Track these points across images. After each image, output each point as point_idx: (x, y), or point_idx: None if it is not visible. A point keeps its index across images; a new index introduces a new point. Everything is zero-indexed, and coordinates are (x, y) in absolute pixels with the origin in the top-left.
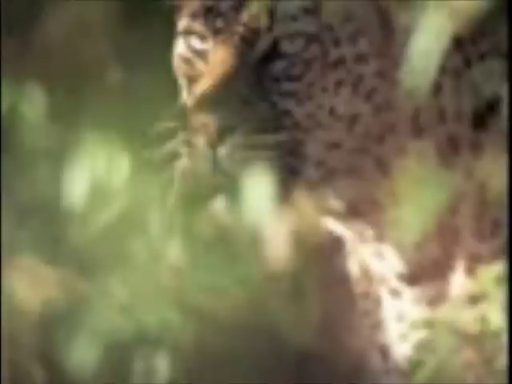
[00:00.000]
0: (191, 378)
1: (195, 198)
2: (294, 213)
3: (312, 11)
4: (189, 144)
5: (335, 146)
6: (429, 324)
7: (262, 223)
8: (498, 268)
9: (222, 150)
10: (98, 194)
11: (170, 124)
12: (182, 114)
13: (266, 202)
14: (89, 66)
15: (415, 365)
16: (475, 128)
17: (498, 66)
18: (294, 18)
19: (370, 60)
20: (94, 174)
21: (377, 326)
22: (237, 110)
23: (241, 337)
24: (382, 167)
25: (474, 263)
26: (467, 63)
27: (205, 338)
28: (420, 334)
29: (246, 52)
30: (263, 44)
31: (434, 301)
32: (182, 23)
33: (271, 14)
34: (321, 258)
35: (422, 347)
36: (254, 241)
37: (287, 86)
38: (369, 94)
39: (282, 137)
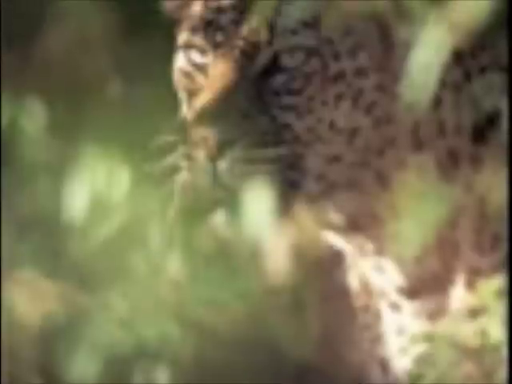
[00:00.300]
0: None
1: (195, 211)
2: (294, 226)
3: (312, 25)
4: (189, 158)
5: (335, 159)
6: (429, 338)
7: (262, 237)
8: (497, 282)
9: (222, 164)
10: (98, 207)
11: (170, 138)
12: (182, 128)
13: (266, 215)
14: (89, 80)
15: (415, 378)
16: (475, 142)
17: (497, 79)
18: (294, 32)
19: (369, 74)
20: (94, 187)
21: (377, 339)
22: (237, 124)
23: (241, 351)
24: (382, 181)
25: (473, 277)
26: (467, 77)
27: (204, 351)
28: (420, 348)
29: (246, 66)
30: (263, 58)
31: (434, 314)
32: (182, 37)
33: (271, 27)
34: (321, 272)
35: (422, 361)
36: (254, 255)
37: (287, 100)
38: (369, 108)
39: (282, 150)
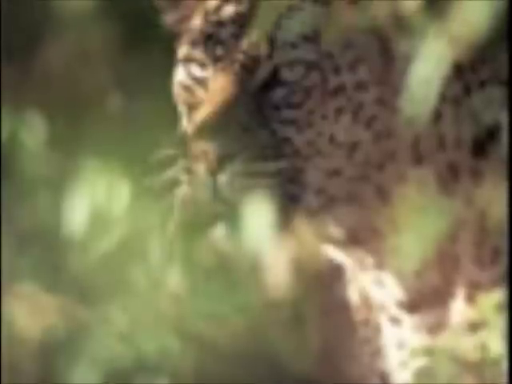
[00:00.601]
0: None
1: (195, 225)
2: (294, 240)
3: (312, 39)
4: (189, 171)
5: (335, 173)
6: (429, 351)
7: (261, 251)
8: (498, 295)
9: (222, 178)
10: (98, 221)
11: (170, 151)
12: (182, 142)
13: (266, 229)
14: (89, 94)
15: None
16: (475, 155)
17: (497, 93)
18: (294, 46)
19: (369, 87)
20: (94, 201)
21: (377, 353)
22: (237, 138)
23: (241, 364)
24: (382, 195)
25: (474, 291)
26: (467, 91)
27: (205, 365)
28: (420, 362)
29: (246, 80)
30: (263, 72)
31: (434, 328)
32: (182, 51)
33: (271, 41)
34: (321, 286)
35: (422, 375)
36: (254, 268)
37: (287, 114)
38: (369, 122)
39: (282, 164)
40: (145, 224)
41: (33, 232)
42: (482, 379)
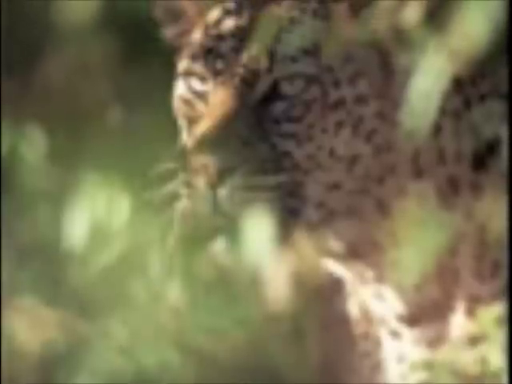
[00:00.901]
0: None
1: (195, 239)
2: (294, 254)
3: (312, 53)
4: (189, 185)
5: (335, 187)
6: (429, 365)
7: (261, 264)
8: (498, 309)
9: (222, 191)
10: (98, 235)
11: (170, 165)
12: (182, 155)
13: (265, 243)
14: (89, 108)
15: None
16: (475, 169)
17: (497, 107)
18: (294, 60)
19: (369, 101)
20: (94, 215)
21: (377, 366)
22: (237, 152)
23: (241, 378)
24: (382, 208)
25: (474, 304)
26: (467, 104)
27: (205, 379)
28: (420, 376)
29: (246, 93)
30: (263, 85)
31: (434, 342)
32: (182, 64)
33: (271, 55)
34: (321, 299)
35: None
36: (254, 282)
37: (287, 128)
38: (369, 135)
39: (281, 178)
40: (145, 238)
41: (33, 246)
42: None
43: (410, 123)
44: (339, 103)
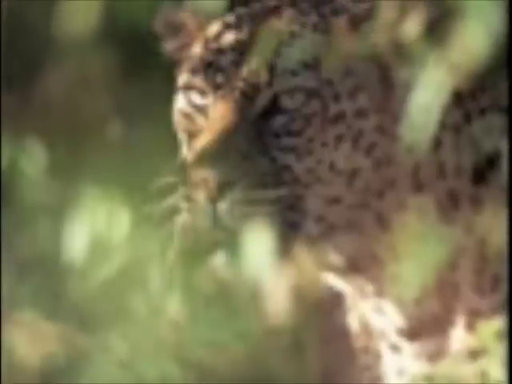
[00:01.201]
0: None
1: (195, 253)
2: (294, 268)
3: (312, 66)
4: (189, 199)
5: (335, 201)
6: (429, 379)
7: (261, 278)
8: (498, 323)
9: (222, 205)
10: (98, 249)
11: (170, 179)
12: (182, 169)
13: (265, 257)
14: (89, 122)
15: None
16: (475, 183)
17: (497, 121)
18: (294, 73)
19: (369, 115)
20: (94, 229)
21: (377, 380)
22: (237, 165)
23: None
24: (382, 222)
25: (474, 318)
26: (467, 118)
27: None
28: None
29: (246, 107)
30: (263, 99)
31: (434, 356)
32: (182, 78)
33: (271, 69)
34: (321, 313)
35: None
36: (254, 296)
37: (287, 141)
38: (369, 149)
39: (281, 192)
40: (145, 251)
41: (33, 259)
42: None
43: (409, 137)
44: (339, 117)
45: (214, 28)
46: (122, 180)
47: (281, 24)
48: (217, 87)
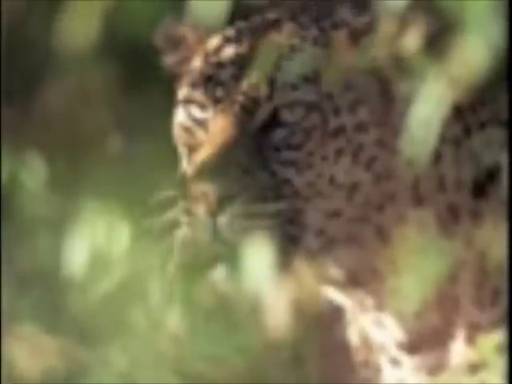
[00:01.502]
0: None
1: (195, 266)
2: (294, 282)
3: (312, 80)
4: (189, 213)
5: (335, 214)
6: None
7: (261, 292)
8: (498, 337)
9: (222, 219)
10: (98, 262)
11: (170, 193)
12: (182, 183)
13: (266, 270)
14: (89, 135)
15: None
16: (475, 197)
17: (497, 134)
18: (294, 87)
19: (369, 129)
20: (94, 242)
21: None
22: (237, 179)
23: None
24: (382, 236)
25: (474, 332)
26: (467, 132)
27: None
28: None
29: (246, 121)
30: (263, 113)
31: (434, 369)
32: (182, 92)
33: (271, 82)
34: (321, 327)
35: None
36: (254, 310)
37: (287, 155)
38: (369, 163)
39: (281, 205)
40: (145, 265)
41: (33, 273)
42: None
43: (409, 151)
44: (339, 131)
45: (214, 42)
46: (121, 194)
47: (281, 38)
48: (217, 101)
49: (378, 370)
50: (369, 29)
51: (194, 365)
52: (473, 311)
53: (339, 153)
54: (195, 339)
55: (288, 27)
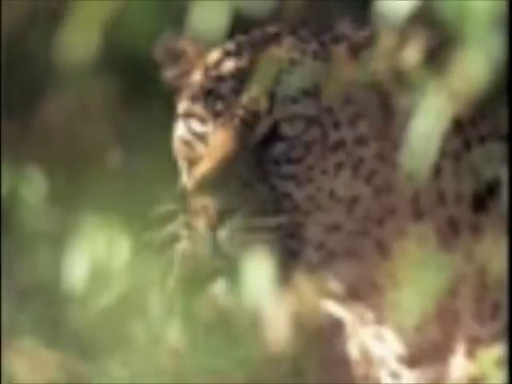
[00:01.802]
0: None
1: (195, 280)
2: (294, 295)
3: (312, 94)
4: (189, 226)
5: (335, 228)
6: None
7: (261, 306)
8: (498, 351)
9: (222, 233)
10: (98, 276)
11: (170, 206)
12: (182, 197)
13: (266, 284)
14: (89, 149)
15: None
16: (475, 211)
17: (497, 148)
18: (294, 101)
19: (369, 143)
20: (94, 256)
21: None
22: (237, 193)
23: None
24: (382, 250)
25: (474, 346)
26: (467, 146)
27: None
28: None
29: (246, 135)
30: (263, 127)
31: (434, 383)
32: (182, 106)
33: (271, 96)
34: (321, 341)
35: None
36: (254, 323)
37: (287, 169)
38: (369, 177)
39: (281, 219)
40: (145, 279)
41: (33, 287)
42: None
43: (409, 165)
44: (339, 144)
45: (214, 55)
46: (122, 207)
47: (281, 52)
48: (217, 115)
49: (378, 383)
50: (369, 43)
51: (195, 378)
52: (473, 325)
53: (339, 167)
54: (195, 353)
55: (288, 41)
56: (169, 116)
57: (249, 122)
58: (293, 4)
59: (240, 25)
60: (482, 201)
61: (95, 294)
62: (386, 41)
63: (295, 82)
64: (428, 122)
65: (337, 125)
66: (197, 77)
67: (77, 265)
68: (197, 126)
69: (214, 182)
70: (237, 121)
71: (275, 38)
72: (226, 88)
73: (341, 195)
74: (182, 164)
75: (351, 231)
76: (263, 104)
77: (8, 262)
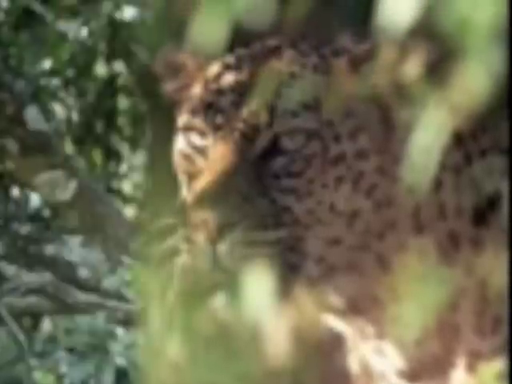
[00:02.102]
0: None
1: (195, 294)
2: (294, 309)
3: (312, 108)
4: (189, 240)
5: (335, 242)
6: None
7: (261, 320)
8: (498, 365)
9: (222, 247)
10: None
11: (170, 220)
12: (182, 211)
13: (266, 298)
14: None
15: None
16: (476, 225)
17: (498, 162)
18: (295, 114)
19: (370, 156)
20: None
21: None
22: (237, 207)
23: None
24: (383, 264)
25: (474, 360)
26: (468, 159)
27: None
28: None
29: (245, 148)
30: (263, 140)
31: None
32: (182, 119)
33: (271, 110)
34: (321, 355)
35: None
36: (254, 337)
37: (287, 183)
38: (369, 191)
39: (281, 233)
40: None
41: None
42: None
43: (410, 178)
44: (339, 158)
45: (213, 69)
46: None
47: (281, 65)
48: (217, 128)
49: None
50: (369, 56)
51: None
52: (473, 339)
53: (339, 180)
54: (195, 367)
55: (288, 54)
56: (168, 129)
57: (249, 136)
58: (293, 17)
59: (240, 38)
60: (482, 214)
61: None
62: (387, 54)
63: (295, 95)
64: (429, 135)
65: (337, 138)
66: (197, 90)
67: None
68: (197, 139)
69: (213, 196)
70: (237, 134)
71: (275, 52)
72: (225, 101)
73: (341, 209)
74: (182, 178)
75: (351, 245)
76: (263, 117)
77: None
